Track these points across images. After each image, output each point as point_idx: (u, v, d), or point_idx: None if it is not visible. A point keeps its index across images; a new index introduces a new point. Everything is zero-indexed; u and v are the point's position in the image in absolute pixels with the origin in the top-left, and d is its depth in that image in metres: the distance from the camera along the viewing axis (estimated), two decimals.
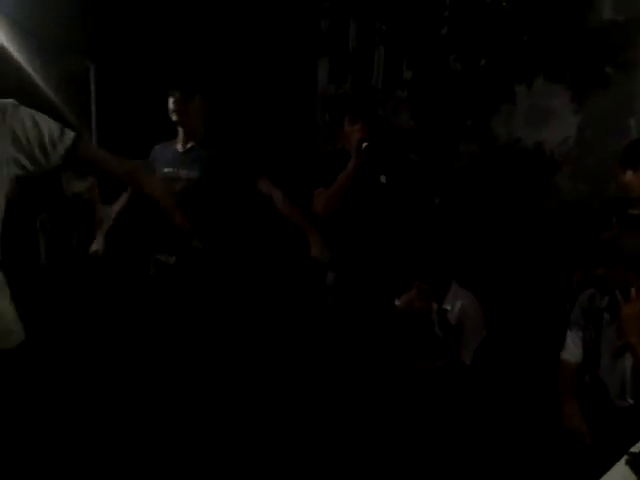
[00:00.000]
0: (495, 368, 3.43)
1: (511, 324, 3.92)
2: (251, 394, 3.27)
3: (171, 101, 2.83)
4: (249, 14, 6.18)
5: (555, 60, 4.37)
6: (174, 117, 2.85)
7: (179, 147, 2.95)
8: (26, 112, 1.66)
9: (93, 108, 5.33)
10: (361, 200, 3.16)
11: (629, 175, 2.91)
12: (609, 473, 1.91)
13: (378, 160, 3.14)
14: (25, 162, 1.65)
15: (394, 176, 3.21)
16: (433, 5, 5.00)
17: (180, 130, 2.93)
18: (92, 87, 5.33)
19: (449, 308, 3.47)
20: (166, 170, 2.92)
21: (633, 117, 4.35)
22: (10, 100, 1.67)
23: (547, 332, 3.16)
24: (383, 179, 3.21)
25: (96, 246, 3.02)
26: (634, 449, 1.98)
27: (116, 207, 3.11)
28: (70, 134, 1.73)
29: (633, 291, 2.37)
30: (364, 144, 3.04)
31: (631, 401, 2.44)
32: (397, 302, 3.66)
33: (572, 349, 2.66)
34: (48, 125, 1.68)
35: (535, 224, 4.59)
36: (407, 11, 4.95)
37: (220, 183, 2.89)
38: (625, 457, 1.96)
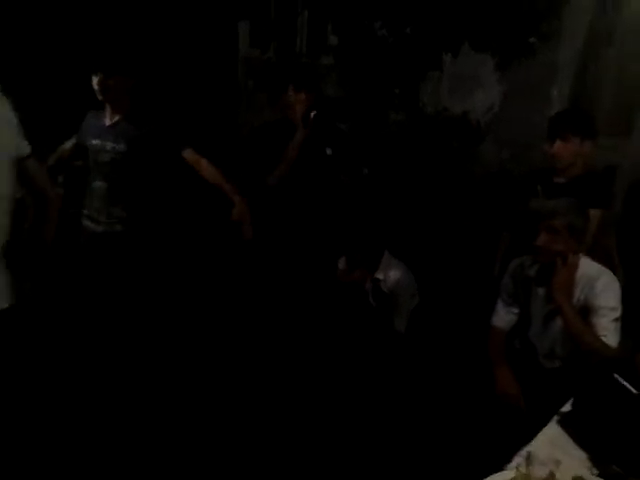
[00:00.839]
0: (428, 335, 3.51)
1: (442, 291, 4.01)
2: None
3: (95, 81, 2.92)
4: None
5: (480, 28, 4.44)
6: (99, 96, 2.95)
7: (106, 121, 3.03)
8: None
9: None
10: (306, 171, 3.20)
11: (558, 145, 2.97)
12: (541, 433, 1.99)
13: (322, 131, 3.19)
14: None
15: (338, 148, 3.27)
16: None
17: (107, 105, 3.02)
18: None
19: (382, 277, 3.51)
20: (94, 142, 3.01)
21: (555, 87, 4.48)
22: None
23: (477, 298, 3.25)
24: (329, 151, 3.25)
25: None
26: (564, 409, 2.08)
27: None
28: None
29: (571, 257, 2.46)
30: (312, 113, 3.09)
31: (559, 363, 2.56)
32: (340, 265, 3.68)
33: (502, 315, 2.76)
34: None
35: (461, 192, 4.70)
36: None
37: (146, 155, 2.99)
38: (555, 417, 2.05)
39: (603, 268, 2.51)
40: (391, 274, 3.48)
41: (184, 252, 4.08)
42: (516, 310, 2.73)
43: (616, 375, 1.92)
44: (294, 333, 3.34)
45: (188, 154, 3.03)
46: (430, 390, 3.12)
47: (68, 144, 3.19)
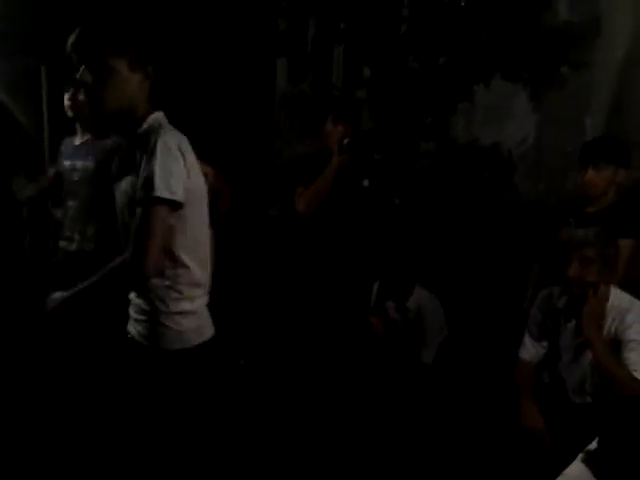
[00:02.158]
0: (455, 367, 3.43)
1: (470, 323, 3.93)
2: None
3: (66, 97, 3.02)
4: (204, 14, 6.12)
5: (512, 59, 4.40)
6: (69, 113, 3.05)
7: (76, 140, 3.12)
8: None
9: (45, 108, 5.20)
10: (343, 202, 3.22)
11: (591, 173, 2.90)
12: (566, 470, 1.91)
13: (359, 163, 3.21)
14: None
15: (374, 179, 3.28)
16: (391, 3, 5.00)
17: (77, 125, 3.10)
18: (43, 88, 5.20)
19: (412, 307, 3.49)
20: (66, 163, 3.08)
21: (589, 117, 4.39)
22: None
23: (506, 331, 3.17)
24: (366, 183, 3.27)
25: None
26: (590, 447, 1.99)
27: None
28: None
29: (602, 288, 2.38)
30: (345, 140, 3.12)
31: (590, 399, 2.45)
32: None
33: (529, 348, 2.67)
34: None
35: (494, 223, 4.62)
36: (366, 9, 4.94)
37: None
38: (581, 455, 1.97)
39: (634, 299, 2.41)
40: (421, 303, 3.46)
41: None
42: (544, 343, 2.64)
43: None
44: (316, 358, 3.31)
45: None
46: (455, 421, 3.03)
47: (50, 172, 3.28)
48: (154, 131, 1.74)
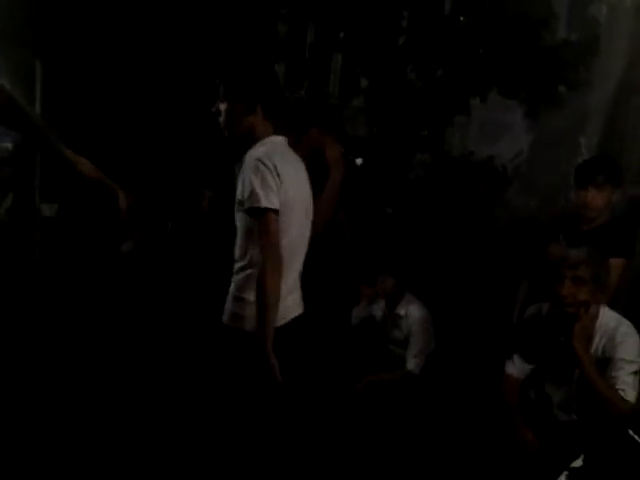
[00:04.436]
0: (442, 380, 3.43)
1: (459, 336, 3.93)
2: None
3: None
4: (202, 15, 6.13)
5: (509, 75, 4.42)
6: None
7: None
8: None
9: (37, 104, 5.19)
10: None
11: (592, 193, 2.88)
12: None
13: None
14: None
15: (364, 187, 3.27)
16: (391, 15, 5.02)
17: None
18: (37, 84, 5.20)
19: (402, 314, 3.49)
20: None
21: (583, 136, 4.43)
22: None
23: (494, 345, 3.17)
24: None
25: None
26: (575, 464, 2.00)
27: None
28: None
29: (593, 307, 2.39)
30: (359, 159, 3.09)
31: (575, 416, 2.45)
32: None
33: (517, 364, 2.66)
34: None
35: (485, 237, 4.63)
36: (365, 19, 4.95)
37: (30, 152, 3.19)
38: (565, 473, 1.97)
39: (622, 318, 2.42)
40: (411, 312, 3.47)
41: None
42: (532, 359, 2.64)
43: (631, 432, 1.84)
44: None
45: (68, 153, 3.05)
46: (442, 433, 3.03)
47: None
48: (255, 149, 2.12)
